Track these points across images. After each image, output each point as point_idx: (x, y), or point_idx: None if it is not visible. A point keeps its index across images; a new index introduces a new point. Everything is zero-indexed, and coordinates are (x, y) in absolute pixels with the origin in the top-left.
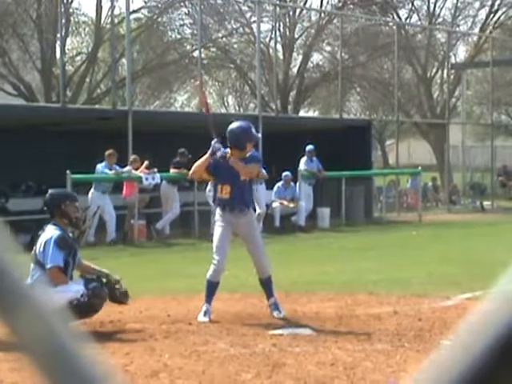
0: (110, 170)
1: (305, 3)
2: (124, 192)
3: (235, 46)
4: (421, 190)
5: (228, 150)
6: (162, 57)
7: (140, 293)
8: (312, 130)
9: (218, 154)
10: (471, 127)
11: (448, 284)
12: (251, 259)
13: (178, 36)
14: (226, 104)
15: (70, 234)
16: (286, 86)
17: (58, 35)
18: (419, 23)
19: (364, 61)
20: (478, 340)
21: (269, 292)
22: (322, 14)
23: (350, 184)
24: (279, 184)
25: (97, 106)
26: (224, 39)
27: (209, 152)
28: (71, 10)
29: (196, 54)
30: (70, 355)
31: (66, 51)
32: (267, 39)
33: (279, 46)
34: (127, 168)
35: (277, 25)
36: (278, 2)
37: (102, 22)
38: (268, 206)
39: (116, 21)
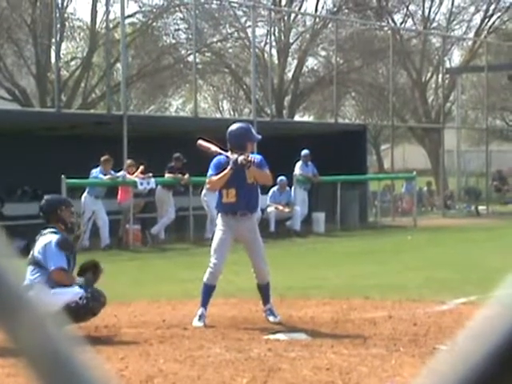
0: (105, 175)
1: (300, 8)
2: (119, 197)
3: (230, 50)
4: (416, 195)
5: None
6: (156, 61)
7: (135, 298)
8: (307, 135)
9: (240, 158)
10: (466, 132)
11: (443, 289)
12: (251, 264)
13: (173, 41)
14: (220, 109)
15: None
16: (281, 91)
17: (53, 40)
18: (414, 28)
19: (359, 65)
20: (478, 347)
21: (265, 298)
22: (317, 19)
23: (345, 189)
24: (274, 188)
25: (92, 111)
26: (219, 44)
27: (229, 167)
28: (66, 15)
29: (191, 58)
30: (66, 360)
31: (61, 56)
32: (262, 44)
33: (274, 51)
34: (121, 173)
35: (272, 29)
36: (272, 7)
37: (97, 26)
38: (263, 210)
39: (111, 26)
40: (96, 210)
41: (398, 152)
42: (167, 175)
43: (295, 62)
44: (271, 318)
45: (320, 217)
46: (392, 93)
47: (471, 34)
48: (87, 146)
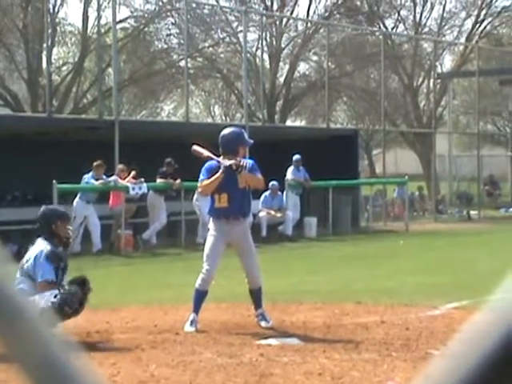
0: (97, 180)
1: (291, 13)
2: (111, 202)
3: (222, 55)
4: (407, 200)
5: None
6: (148, 66)
7: (127, 303)
8: (299, 140)
9: (228, 163)
10: (457, 136)
11: (435, 293)
12: (243, 269)
13: (165, 46)
14: (212, 114)
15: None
16: (273, 96)
17: (45, 45)
18: (405, 33)
19: (350, 70)
20: (473, 351)
21: (257, 303)
22: (309, 24)
23: (337, 193)
24: (266, 193)
25: (83, 116)
26: (210, 49)
27: (220, 171)
28: (57, 20)
29: (182, 63)
30: (59, 366)
31: (53, 61)
32: (254, 49)
33: (266, 56)
34: (113, 177)
35: (263, 34)
36: (264, 12)
37: (89, 31)
38: (255, 215)
39: (102, 31)
40: (88, 214)
41: (390, 157)
42: (159, 180)
43: (287, 66)
44: (263, 323)
45: (312, 221)
46: (384, 97)
47: (462, 39)
48: (79, 151)
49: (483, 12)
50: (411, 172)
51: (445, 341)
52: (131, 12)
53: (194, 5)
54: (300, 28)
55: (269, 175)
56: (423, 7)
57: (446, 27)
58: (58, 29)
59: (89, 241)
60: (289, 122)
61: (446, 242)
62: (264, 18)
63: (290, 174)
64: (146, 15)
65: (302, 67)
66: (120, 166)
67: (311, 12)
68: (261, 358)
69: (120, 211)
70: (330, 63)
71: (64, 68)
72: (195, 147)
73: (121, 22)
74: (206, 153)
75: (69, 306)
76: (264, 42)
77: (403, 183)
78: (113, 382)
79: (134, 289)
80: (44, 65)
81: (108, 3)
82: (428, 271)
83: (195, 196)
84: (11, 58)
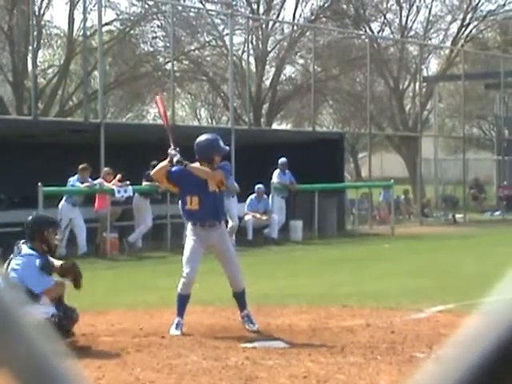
0: (82, 183)
1: (277, 16)
2: (96, 205)
3: (208, 58)
4: (393, 203)
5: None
6: (134, 69)
7: (112, 306)
8: (285, 143)
9: (175, 158)
10: (443, 140)
11: (420, 297)
12: (225, 273)
13: (151, 48)
14: (198, 117)
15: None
16: (259, 99)
17: (30, 47)
18: (391, 36)
19: (336, 74)
20: (471, 353)
21: (242, 305)
22: (295, 27)
23: (323, 197)
24: (252, 197)
25: (69, 119)
26: (197, 52)
27: (167, 160)
28: (43, 23)
29: (168, 66)
30: (45, 369)
31: (38, 63)
32: (240, 52)
33: (252, 59)
34: (98, 180)
35: (249, 38)
36: (250, 15)
37: (74, 34)
38: (240, 218)
39: (88, 33)
40: (73, 217)
41: (376, 160)
42: (144, 183)
43: (273, 70)
44: (249, 326)
45: (297, 225)
46: (369, 101)
47: (448, 43)
48: (64, 154)
49: (469, 16)
50: (397, 175)
51: (430, 344)
52: (117, 15)
53: (179, 8)
54: (286, 31)
55: (254, 178)
56: (409, 11)
57: (432, 31)
58: (44, 31)
59: (74, 244)
60: (275, 126)
61: (431, 245)
62: (250, 22)
63: (275, 177)
64: (132, 18)
65: (288, 70)
66: (106, 169)
67: (297, 15)
68: (246, 361)
69: (105, 214)
70: (316, 66)
71: (50, 70)
72: (158, 97)
73: (107, 24)
74: (162, 111)
75: (65, 330)
76: (250, 45)
77: (389, 187)
78: None
79: (119, 292)
80: (29, 67)
81: (94, 6)
82: (413, 274)
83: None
84: None
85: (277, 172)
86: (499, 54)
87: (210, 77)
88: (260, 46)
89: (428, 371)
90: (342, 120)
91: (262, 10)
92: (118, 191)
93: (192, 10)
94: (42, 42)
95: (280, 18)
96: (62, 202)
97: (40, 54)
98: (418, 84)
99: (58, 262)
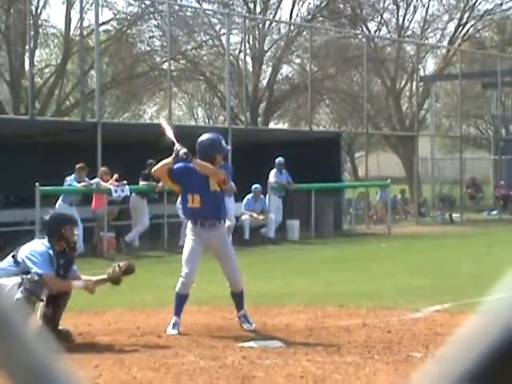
0: (79, 182)
1: (274, 16)
2: (93, 204)
3: (205, 58)
4: (390, 203)
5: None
6: (131, 69)
7: (109, 305)
8: (282, 143)
9: (182, 150)
10: (440, 140)
11: (417, 296)
12: (224, 273)
13: (148, 48)
14: (195, 116)
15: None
16: (256, 99)
17: (27, 47)
18: (388, 36)
19: (333, 73)
20: (474, 351)
21: (239, 305)
22: (292, 27)
23: (320, 196)
24: (249, 196)
25: (66, 118)
26: (193, 51)
27: (172, 155)
28: (40, 22)
29: (165, 66)
30: (42, 369)
31: (35, 63)
32: (237, 51)
33: (249, 59)
34: (95, 180)
35: (246, 37)
36: (247, 15)
37: (71, 33)
38: (237, 218)
39: (85, 33)
40: None
41: (373, 160)
42: (141, 183)
43: (270, 69)
44: (246, 326)
45: (294, 224)
46: (366, 100)
47: (445, 42)
48: (61, 154)
49: (466, 15)
50: (394, 175)
51: (427, 343)
52: (114, 14)
53: (176, 7)
54: (283, 31)
55: (251, 178)
56: (406, 10)
57: (429, 30)
58: (41, 31)
59: None
60: (272, 125)
61: (428, 244)
62: (247, 21)
63: (272, 176)
64: (129, 17)
65: (285, 70)
66: (103, 169)
67: (294, 15)
68: (243, 360)
69: (102, 214)
70: (312, 66)
71: (46, 70)
72: (163, 122)
73: (103, 24)
74: (168, 133)
75: (36, 296)
76: (247, 45)
77: (386, 186)
78: None
79: (116, 291)
80: (26, 67)
81: (91, 5)
82: (410, 274)
83: (178, 199)
84: None
85: (274, 171)
86: (496, 53)
87: (206, 76)
88: (257, 45)
89: (427, 371)
90: (338, 119)
91: (258, 10)
92: (115, 191)
93: (189, 9)
94: (38, 41)
95: (277, 18)
96: (59, 201)
97: (37, 53)
98: (414, 83)
99: (94, 277)
